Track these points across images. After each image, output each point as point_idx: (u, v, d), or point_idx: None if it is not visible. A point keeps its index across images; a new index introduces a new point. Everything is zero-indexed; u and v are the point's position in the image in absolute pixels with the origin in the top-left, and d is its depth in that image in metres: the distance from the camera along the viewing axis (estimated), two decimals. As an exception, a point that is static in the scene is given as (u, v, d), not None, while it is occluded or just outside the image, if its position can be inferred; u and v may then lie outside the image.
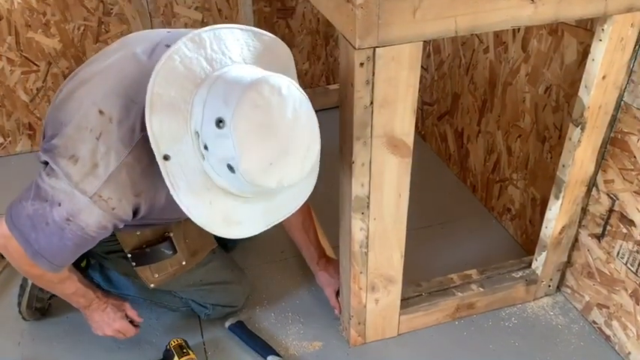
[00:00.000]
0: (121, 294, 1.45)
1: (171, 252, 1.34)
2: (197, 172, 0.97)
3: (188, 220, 1.31)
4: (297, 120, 0.94)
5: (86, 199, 1.02)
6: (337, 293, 1.47)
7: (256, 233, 1.08)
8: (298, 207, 1.12)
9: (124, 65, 1.09)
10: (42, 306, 1.48)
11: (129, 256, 1.33)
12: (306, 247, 1.53)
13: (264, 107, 0.91)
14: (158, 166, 0.97)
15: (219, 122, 0.90)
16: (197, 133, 0.95)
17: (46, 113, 1.18)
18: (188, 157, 0.96)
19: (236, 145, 0.89)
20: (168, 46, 1.02)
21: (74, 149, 1.03)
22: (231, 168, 0.93)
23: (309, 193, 1.12)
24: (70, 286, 1.28)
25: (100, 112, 1.02)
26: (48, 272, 1.15)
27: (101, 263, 1.43)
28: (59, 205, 1.04)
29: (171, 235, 1.34)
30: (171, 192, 0.97)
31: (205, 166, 0.97)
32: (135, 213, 1.10)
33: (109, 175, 1.02)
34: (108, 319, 1.35)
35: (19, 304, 1.46)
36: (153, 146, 0.94)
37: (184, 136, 0.96)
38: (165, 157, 0.95)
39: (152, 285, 1.36)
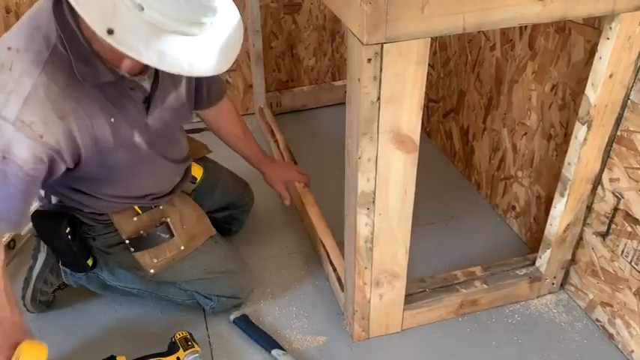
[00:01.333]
0: (126, 287, 1.46)
1: (167, 236, 1.38)
2: (143, 27, 0.95)
3: (185, 204, 1.35)
4: None
5: (10, 127, 1.03)
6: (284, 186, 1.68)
7: (223, 69, 1.04)
8: (242, 39, 1.09)
9: (26, 16, 1.12)
10: (46, 299, 1.50)
11: (127, 242, 1.35)
12: (252, 153, 1.67)
13: None
14: (81, 89, 1.05)
15: None
16: None
17: None
18: (128, 19, 0.93)
19: None
20: None
21: None
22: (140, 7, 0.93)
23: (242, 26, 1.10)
24: None
25: (8, 48, 1.06)
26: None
27: (106, 261, 1.44)
28: None
29: (168, 220, 1.37)
30: (137, 57, 0.94)
31: (146, 14, 0.94)
32: (75, 147, 1.10)
33: (25, 97, 1.03)
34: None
35: (24, 297, 1.47)
36: (92, 26, 0.91)
37: (116, 2, 0.93)
38: (110, 32, 0.92)
39: (152, 270, 1.38)
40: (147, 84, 1.20)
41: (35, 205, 1.38)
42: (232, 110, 1.60)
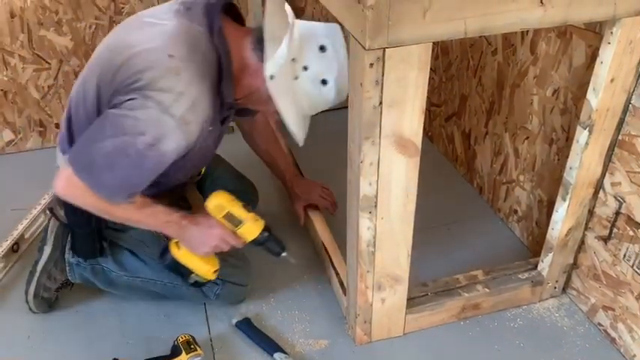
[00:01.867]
0: (131, 277, 1.47)
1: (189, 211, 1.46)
2: (289, 92, 1.27)
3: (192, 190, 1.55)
4: None
5: (173, 123, 1.19)
6: (304, 207, 1.75)
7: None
8: None
9: (160, 25, 1.27)
10: (49, 296, 1.50)
11: None
12: (283, 157, 1.78)
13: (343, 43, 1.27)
14: (216, 103, 1.26)
15: (322, 48, 1.25)
16: (294, 59, 1.24)
17: (94, 83, 1.29)
18: (283, 79, 1.24)
19: (336, 66, 1.26)
20: (189, 8, 1.28)
21: (161, 83, 1.19)
22: (324, 82, 1.27)
23: None
24: (149, 211, 1.32)
25: (170, 55, 1.21)
26: (123, 204, 1.25)
27: (117, 242, 1.46)
28: (142, 134, 1.17)
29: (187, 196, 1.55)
30: (278, 103, 1.24)
31: (294, 85, 1.27)
32: (195, 144, 1.27)
33: (193, 101, 1.21)
34: (205, 229, 1.36)
35: (27, 291, 1.48)
36: (266, 67, 1.21)
37: (285, 61, 1.22)
38: (271, 77, 1.22)
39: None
40: None
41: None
42: (267, 124, 1.74)
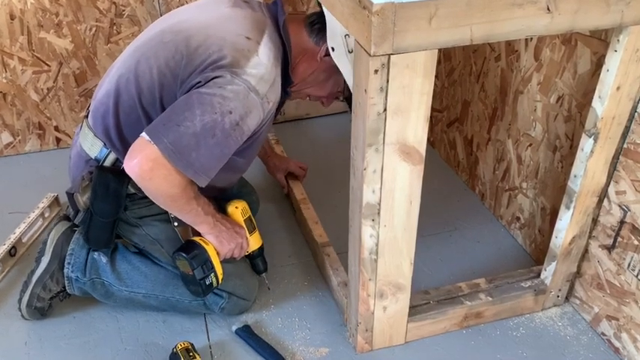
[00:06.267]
0: (132, 292, 1.45)
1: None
2: (347, 63, 1.33)
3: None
4: None
5: (258, 100, 1.26)
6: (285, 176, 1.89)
7: None
8: None
9: (223, 12, 1.36)
10: (42, 306, 1.47)
11: (172, 216, 1.39)
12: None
13: None
14: (279, 87, 1.33)
15: None
16: (347, 35, 1.29)
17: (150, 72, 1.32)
18: (341, 51, 1.33)
19: None
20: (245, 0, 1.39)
21: (245, 63, 1.25)
22: None
23: None
24: (202, 201, 1.33)
25: (247, 37, 1.29)
26: (193, 186, 1.27)
27: (113, 256, 1.45)
28: (230, 112, 1.21)
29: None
30: (343, 72, 1.34)
31: (350, 57, 1.30)
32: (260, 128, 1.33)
33: (272, 81, 1.29)
34: (234, 227, 1.43)
35: (20, 300, 1.46)
36: (328, 38, 1.33)
37: (339, 37, 1.31)
38: (332, 49, 1.33)
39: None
40: None
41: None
42: None
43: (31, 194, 1.79)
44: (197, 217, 1.34)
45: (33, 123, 2.13)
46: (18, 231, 1.68)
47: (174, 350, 1.36)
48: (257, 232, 1.52)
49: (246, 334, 1.45)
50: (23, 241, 1.70)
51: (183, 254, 1.36)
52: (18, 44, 1.97)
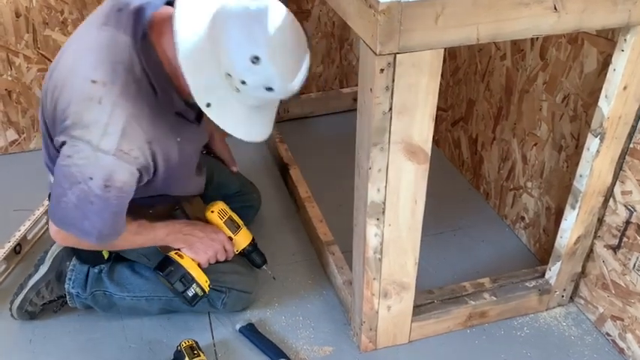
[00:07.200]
0: (134, 298, 1.45)
1: (185, 219, 1.45)
2: (235, 105, 1.14)
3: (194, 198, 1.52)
4: (296, 29, 1.13)
5: (110, 158, 1.12)
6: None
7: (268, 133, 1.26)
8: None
9: (87, 40, 1.18)
10: (33, 310, 1.47)
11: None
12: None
13: (284, 35, 1.09)
14: (161, 116, 1.17)
15: (255, 59, 1.06)
16: (228, 74, 1.09)
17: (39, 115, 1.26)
18: (224, 97, 1.12)
19: (275, 73, 1.08)
20: (119, 9, 1.17)
21: (84, 119, 1.12)
22: (269, 89, 1.11)
23: None
24: (147, 231, 1.32)
25: (93, 81, 1.12)
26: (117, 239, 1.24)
27: (112, 266, 1.46)
28: (91, 179, 1.13)
29: (182, 205, 1.47)
30: (224, 128, 1.13)
31: (238, 97, 1.13)
32: (155, 166, 1.21)
33: (122, 128, 1.12)
34: (211, 233, 1.40)
35: (12, 301, 1.46)
36: (196, 100, 1.09)
37: (218, 81, 1.11)
38: (208, 105, 1.10)
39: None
40: None
41: None
42: None
43: (36, 192, 1.79)
44: (154, 241, 1.37)
45: (38, 121, 2.13)
46: (23, 229, 1.69)
47: (179, 348, 1.36)
48: (243, 229, 1.49)
49: (250, 332, 1.46)
50: (28, 238, 1.70)
51: (159, 272, 1.37)
52: (23, 42, 1.97)
